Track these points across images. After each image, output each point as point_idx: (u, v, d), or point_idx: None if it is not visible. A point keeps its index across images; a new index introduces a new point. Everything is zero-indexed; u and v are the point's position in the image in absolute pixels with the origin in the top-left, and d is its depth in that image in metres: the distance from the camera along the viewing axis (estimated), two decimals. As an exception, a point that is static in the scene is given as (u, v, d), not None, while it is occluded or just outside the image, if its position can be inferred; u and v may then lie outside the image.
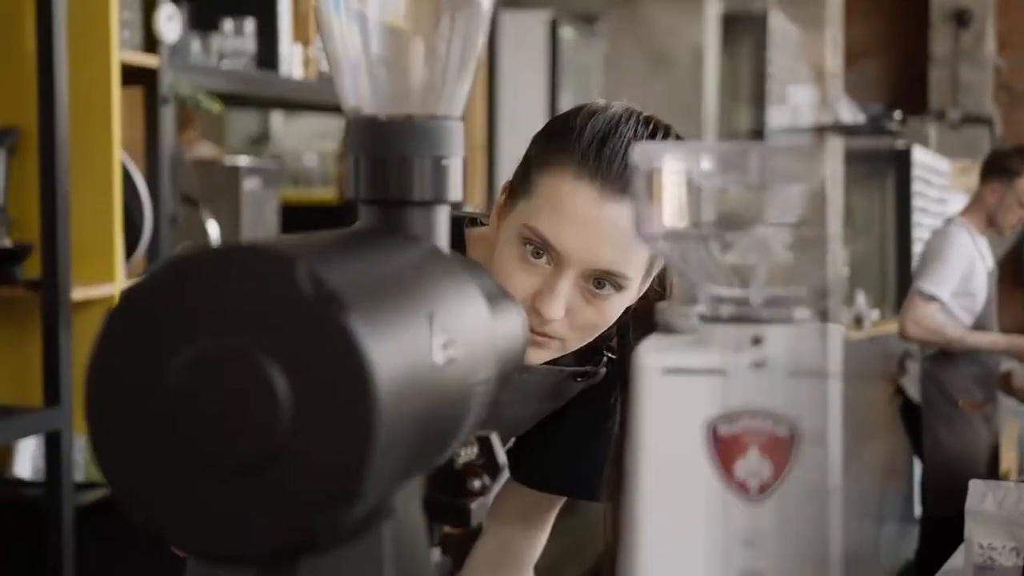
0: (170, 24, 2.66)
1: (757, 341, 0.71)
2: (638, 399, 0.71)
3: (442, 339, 0.71)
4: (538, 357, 1.28)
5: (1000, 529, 1.91)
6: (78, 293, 2.44)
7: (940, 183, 7.39)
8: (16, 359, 2.49)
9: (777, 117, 7.53)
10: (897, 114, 6.44)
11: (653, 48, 5.45)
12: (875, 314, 6.10)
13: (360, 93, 0.84)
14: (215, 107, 2.79)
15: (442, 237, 0.84)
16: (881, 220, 6.86)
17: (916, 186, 6.85)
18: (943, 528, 4.21)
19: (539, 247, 1.23)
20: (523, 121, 5.36)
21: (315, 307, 0.62)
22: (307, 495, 0.62)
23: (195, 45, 2.96)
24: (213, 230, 2.97)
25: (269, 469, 0.62)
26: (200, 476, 0.63)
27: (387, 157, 0.82)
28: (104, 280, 2.53)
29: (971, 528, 1.92)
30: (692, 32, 5.56)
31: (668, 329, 0.79)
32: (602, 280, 1.24)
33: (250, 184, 3.06)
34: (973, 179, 8.52)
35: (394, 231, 0.81)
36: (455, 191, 0.84)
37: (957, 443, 4.22)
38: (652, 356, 0.71)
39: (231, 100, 3.25)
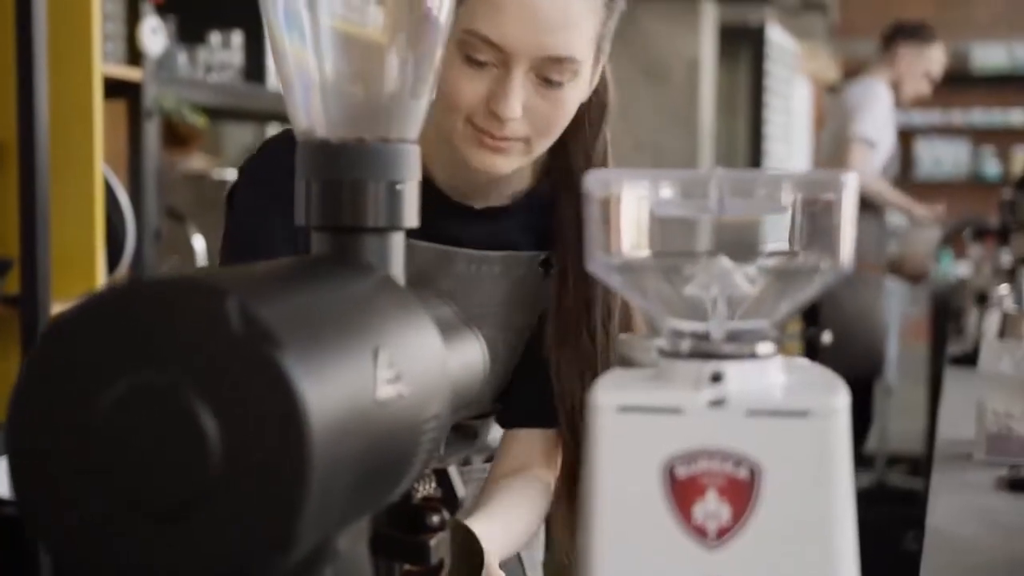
0: (154, 37, 2.64)
1: (717, 378, 0.68)
2: (592, 438, 0.68)
3: (388, 374, 0.68)
4: (506, 164, 1.26)
5: (1018, 393, 1.77)
6: (58, 309, 2.41)
7: (789, 65, 7.56)
8: (-5, 375, 2.47)
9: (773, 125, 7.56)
10: None
11: (649, 61, 5.43)
12: None
13: (312, 115, 0.81)
14: (199, 121, 2.76)
15: (397, 264, 0.81)
16: (731, 96, 6.97)
17: (768, 65, 7.00)
18: None
19: (482, 51, 1.20)
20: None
21: (246, 343, 0.59)
22: (238, 540, 0.59)
23: (181, 58, 2.94)
24: (199, 245, 2.94)
25: (198, 512, 0.59)
26: (125, 517, 0.60)
27: (340, 181, 0.79)
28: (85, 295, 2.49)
29: (985, 393, 1.78)
30: (688, 45, 5.54)
31: (627, 363, 0.76)
32: (552, 71, 1.20)
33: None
34: (820, 64, 8.68)
35: (347, 259, 0.79)
36: (410, 217, 0.81)
37: (856, 305, 4.23)
38: (607, 393, 0.68)
39: (220, 113, 3.22)
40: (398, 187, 0.80)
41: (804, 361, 0.76)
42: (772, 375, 0.69)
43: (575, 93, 1.24)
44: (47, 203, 2.37)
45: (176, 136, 3.44)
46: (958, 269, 8.73)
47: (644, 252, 0.71)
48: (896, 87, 4.35)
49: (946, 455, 1.89)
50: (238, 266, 0.71)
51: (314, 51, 0.80)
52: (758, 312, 0.71)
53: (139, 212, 2.68)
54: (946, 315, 4.69)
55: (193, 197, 3.05)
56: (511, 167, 1.26)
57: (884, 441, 5.67)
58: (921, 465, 5.11)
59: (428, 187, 1.29)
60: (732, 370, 0.68)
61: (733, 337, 0.70)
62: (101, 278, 2.53)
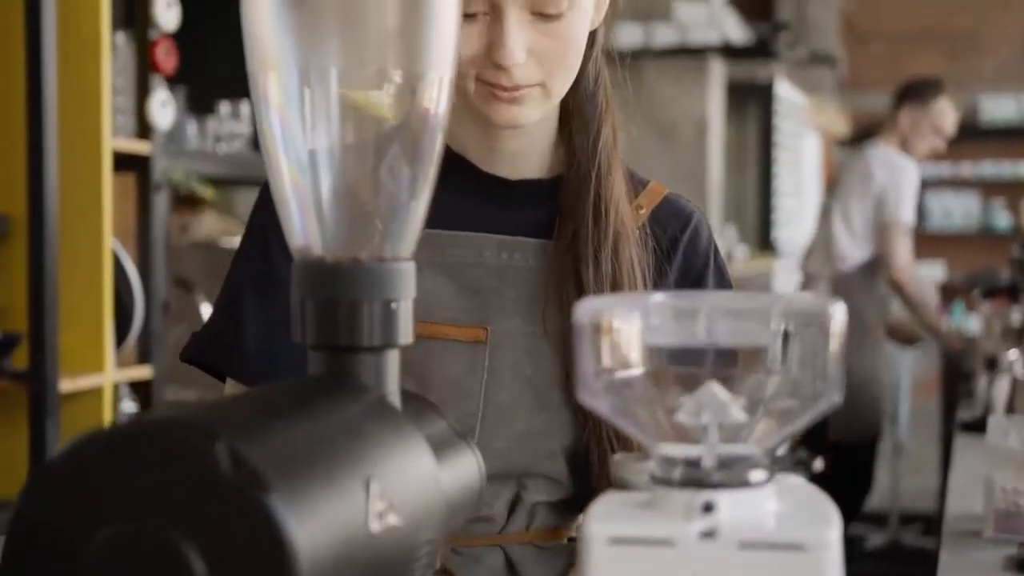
0: (163, 111, 2.66)
1: (708, 508, 0.68)
2: (586, 569, 0.68)
3: (380, 505, 0.68)
4: (528, 114, 1.17)
5: None
6: (67, 384, 2.42)
7: (798, 119, 7.60)
8: (2, 450, 2.46)
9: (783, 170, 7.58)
10: (785, 35, 6.45)
11: (658, 120, 5.46)
12: (743, 249, 6.30)
13: (308, 233, 0.82)
14: (208, 192, 2.77)
15: (392, 382, 0.81)
16: (740, 152, 7.00)
17: (776, 120, 7.03)
18: (846, 455, 4.21)
19: (468, 1, 1.13)
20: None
21: (235, 487, 0.59)
22: None
23: (191, 128, 2.96)
24: (207, 314, 2.94)
25: (187, 656, 0.59)
26: (115, 662, 0.60)
27: (336, 301, 0.79)
28: (94, 370, 2.50)
29: (992, 469, 1.74)
30: (696, 104, 5.57)
31: (622, 484, 0.75)
32: (547, 4, 1.13)
33: (246, 266, 3.04)
34: (829, 118, 8.73)
35: (341, 380, 0.79)
36: (405, 334, 0.81)
37: (865, 366, 4.21)
38: (600, 524, 0.68)
39: (230, 180, 3.25)
40: (393, 306, 0.80)
41: (798, 481, 0.75)
42: (764, 503, 0.69)
43: (579, 21, 1.16)
44: (56, 278, 2.38)
45: (187, 198, 3.46)
46: (969, 323, 8.72)
47: (634, 379, 0.71)
48: (905, 147, 4.37)
49: (955, 531, 1.87)
50: (229, 398, 0.71)
51: (310, 171, 0.81)
52: (750, 437, 0.71)
53: (147, 284, 2.68)
54: (956, 376, 4.67)
55: (201, 265, 3.06)
56: (536, 115, 1.18)
57: (897, 499, 5.64)
58: (934, 524, 5.07)
59: (459, 163, 1.24)
60: (724, 499, 0.68)
61: (725, 464, 0.70)
62: (109, 352, 2.54)
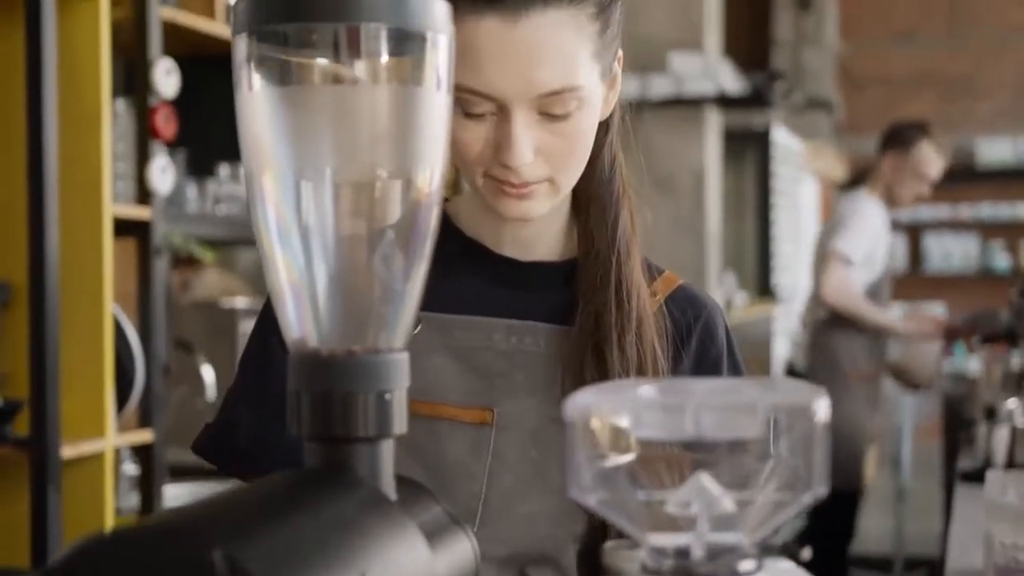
0: (163, 176, 2.68)
1: (698, 602, 0.69)
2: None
3: (375, 600, 0.70)
4: (536, 208, 1.18)
5: None
6: (68, 451, 2.42)
7: (795, 164, 7.63)
8: (3, 518, 2.47)
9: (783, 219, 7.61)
10: (780, 85, 6.48)
11: (655, 170, 5.46)
12: (742, 296, 6.31)
13: (303, 326, 0.83)
14: (207, 256, 2.79)
15: (387, 471, 0.82)
16: (738, 199, 7.02)
17: (774, 167, 7.06)
18: (822, 505, 4.18)
19: (475, 103, 1.13)
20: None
21: (232, 593, 0.60)
22: None
23: (191, 191, 2.98)
24: (208, 375, 2.96)
25: None
26: None
27: (330, 393, 0.80)
28: (95, 435, 2.51)
29: (991, 525, 1.74)
30: (693, 154, 5.60)
31: (615, 573, 0.77)
32: (554, 106, 1.12)
33: (247, 326, 3.06)
34: (826, 163, 8.77)
35: (337, 470, 0.80)
36: (400, 424, 0.83)
37: (840, 415, 4.20)
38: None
39: (229, 241, 3.27)
40: (387, 396, 0.82)
41: (787, 566, 0.76)
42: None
43: (587, 119, 1.16)
44: (57, 345, 2.40)
45: (188, 256, 3.48)
46: (970, 365, 8.72)
47: (624, 472, 0.73)
48: (890, 193, 4.39)
49: (956, 588, 1.88)
50: (224, 497, 0.73)
51: (305, 266, 0.82)
52: (739, 527, 0.72)
53: (148, 348, 2.70)
54: (957, 422, 4.67)
55: (202, 326, 3.08)
56: (544, 209, 1.19)
57: (901, 544, 5.63)
58: (938, 570, 5.06)
59: (473, 247, 1.26)
60: (714, 592, 0.69)
61: (715, 554, 0.71)
62: (110, 417, 2.55)
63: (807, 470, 0.71)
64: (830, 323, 4.37)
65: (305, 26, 0.79)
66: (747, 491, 0.72)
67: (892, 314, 4.41)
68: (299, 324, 0.83)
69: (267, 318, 1.26)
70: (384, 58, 0.80)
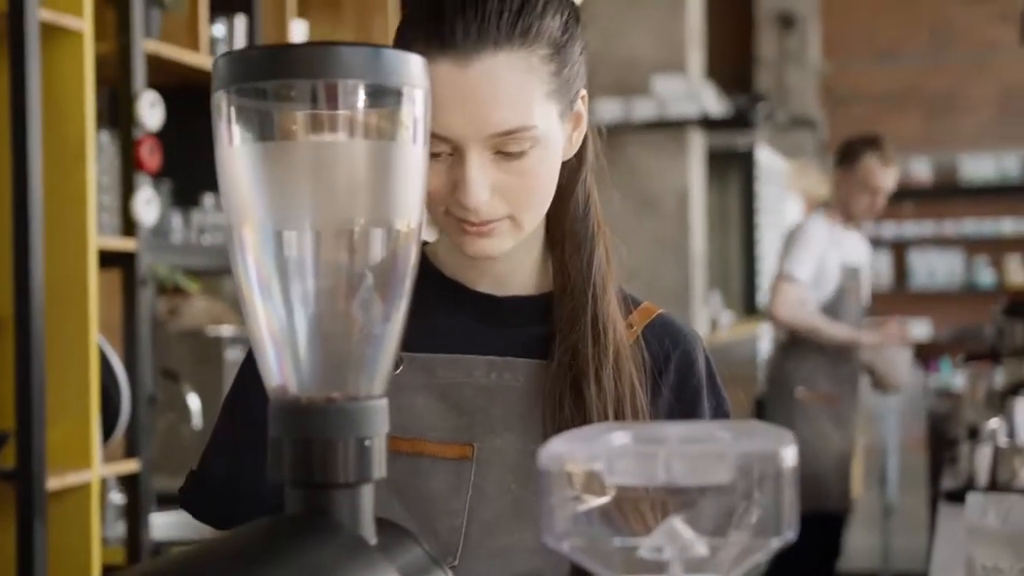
0: (148, 208, 2.69)
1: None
2: None
3: (355, 648, 0.71)
4: (498, 246, 1.19)
5: (1006, 547, 1.74)
6: (54, 482, 2.43)
7: (779, 183, 7.66)
8: (-10, 550, 2.47)
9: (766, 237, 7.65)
10: (762, 107, 6.50)
11: (640, 192, 5.51)
12: (728, 315, 6.34)
13: (284, 374, 0.85)
14: (192, 287, 2.81)
15: (366, 515, 0.84)
16: (723, 218, 7.05)
17: (758, 186, 7.09)
18: (807, 526, 4.15)
19: (431, 144, 1.09)
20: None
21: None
22: None
23: (176, 220, 3.00)
24: (194, 404, 2.97)
25: None
26: None
27: (311, 441, 0.82)
28: (81, 467, 2.52)
29: (972, 547, 1.75)
30: (678, 175, 5.63)
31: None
32: (508, 144, 1.13)
33: (233, 354, 3.07)
34: (810, 181, 8.79)
35: (317, 516, 0.82)
36: (380, 469, 0.84)
37: (810, 438, 4.18)
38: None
39: (214, 271, 3.28)
40: (367, 443, 0.83)
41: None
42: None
43: (544, 157, 1.17)
44: (43, 376, 2.41)
45: (175, 286, 3.49)
46: (955, 380, 8.76)
47: (597, 518, 0.74)
48: (847, 211, 4.41)
49: (939, 608, 1.90)
50: (205, 547, 0.74)
51: (285, 316, 0.84)
52: (711, 570, 0.74)
53: (134, 378, 2.71)
54: (942, 438, 4.69)
55: (188, 354, 3.09)
56: (507, 246, 1.20)
57: (889, 561, 5.65)
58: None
59: (452, 286, 1.27)
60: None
61: (688, 597, 0.73)
62: (96, 448, 2.56)
63: (776, 515, 0.73)
64: (786, 346, 4.38)
65: (284, 82, 0.81)
66: (719, 535, 0.74)
67: (846, 329, 4.38)
68: (279, 372, 0.85)
69: (248, 366, 1.26)
70: (361, 113, 0.82)
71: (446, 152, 1.15)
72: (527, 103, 1.14)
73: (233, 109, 0.82)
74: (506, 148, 1.14)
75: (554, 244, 1.28)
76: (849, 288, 4.37)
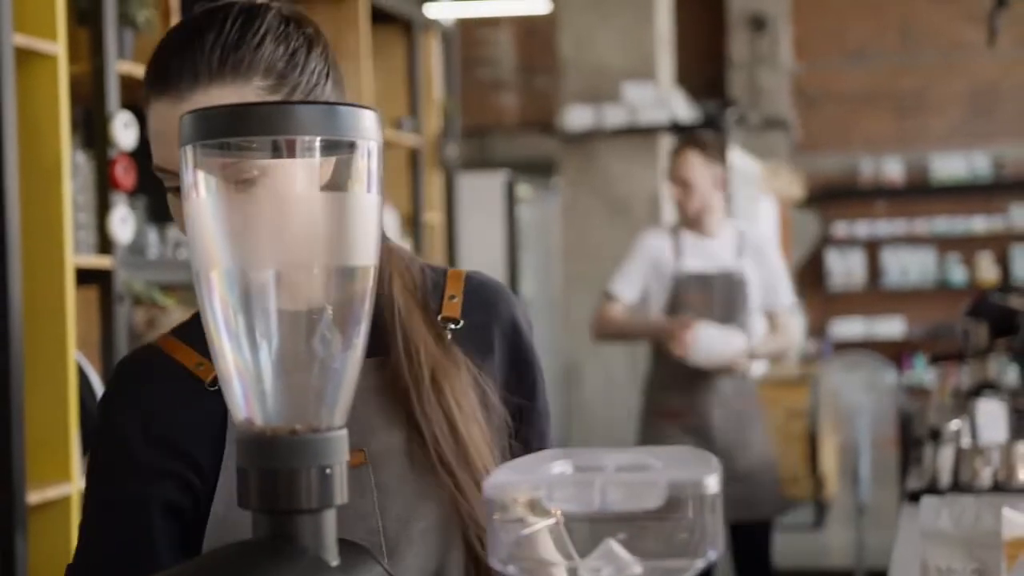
0: (123, 226, 2.74)
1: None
2: None
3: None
4: None
5: (959, 549, 1.77)
6: (34, 496, 2.48)
7: (752, 185, 7.73)
8: (-28, 565, 2.52)
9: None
10: (731, 112, 6.50)
11: (610, 197, 5.58)
12: None
13: (250, 407, 0.91)
14: (168, 302, 2.86)
15: (329, 538, 0.90)
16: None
17: (731, 189, 7.16)
18: (735, 537, 4.13)
19: (167, 178, 1.19)
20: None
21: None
22: None
23: (152, 236, 3.05)
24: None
25: None
26: None
27: (275, 470, 0.88)
28: (61, 480, 2.57)
29: (926, 550, 1.78)
30: (648, 180, 5.70)
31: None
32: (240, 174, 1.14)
33: (209, 366, 3.11)
34: (783, 182, 8.82)
35: (282, 540, 0.88)
36: (341, 494, 0.90)
37: (727, 445, 3.99)
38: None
39: (189, 285, 3.33)
40: (328, 471, 0.89)
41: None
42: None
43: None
44: (21, 393, 2.46)
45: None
46: (928, 376, 8.85)
47: (538, 542, 0.80)
48: (685, 217, 4.20)
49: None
50: (175, 573, 0.80)
51: (250, 354, 0.90)
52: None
53: (112, 393, 2.75)
54: (911, 436, 4.75)
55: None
56: None
57: (862, 559, 5.73)
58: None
59: None
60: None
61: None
62: (75, 462, 2.61)
63: (701, 536, 0.79)
64: (648, 370, 4.24)
65: (246, 139, 0.87)
66: (652, 556, 0.80)
67: (643, 317, 4.16)
68: (246, 405, 0.91)
69: (112, 434, 1.26)
70: (318, 165, 0.88)
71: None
72: None
73: (199, 163, 0.88)
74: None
75: None
76: (689, 300, 4.08)
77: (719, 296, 4.09)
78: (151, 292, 2.78)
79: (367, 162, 0.90)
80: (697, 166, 4.04)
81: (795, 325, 4.17)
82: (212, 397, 1.23)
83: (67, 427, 2.56)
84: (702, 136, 4.21)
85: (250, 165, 0.99)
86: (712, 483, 0.78)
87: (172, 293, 2.99)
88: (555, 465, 0.83)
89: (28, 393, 2.49)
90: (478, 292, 1.34)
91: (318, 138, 0.88)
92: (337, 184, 0.90)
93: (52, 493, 2.54)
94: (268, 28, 1.20)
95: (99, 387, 2.69)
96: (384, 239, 1.30)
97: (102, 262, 2.74)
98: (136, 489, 1.23)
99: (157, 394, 1.25)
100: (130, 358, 1.31)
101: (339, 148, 0.89)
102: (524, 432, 1.34)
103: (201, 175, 0.89)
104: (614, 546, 0.80)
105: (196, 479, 1.23)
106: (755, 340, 4.13)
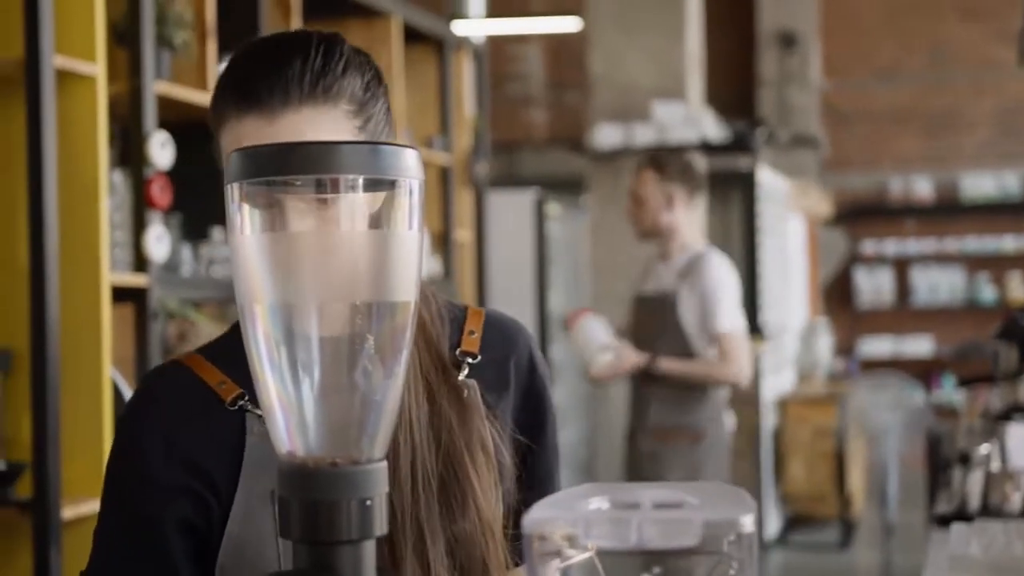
0: (159, 244, 2.77)
1: None
2: None
3: None
4: None
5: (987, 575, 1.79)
6: (69, 511, 2.51)
7: (781, 203, 7.71)
8: (7, 579, 2.55)
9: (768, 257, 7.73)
10: (761, 131, 6.50)
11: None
12: None
13: (292, 439, 0.93)
14: (200, 319, 2.89)
15: (368, 570, 0.91)
16: (725, 239, 7.11)
17: (760, 206, 7.15)
18: None
19: None
20: (513, 297, 5.55)
21: None
22: None
23: (186, 253, 3.08)
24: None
25: None
26: None
27: (317, 502, 0.90)
28: (95, 496, 2.58)
29: None
30: (678, 199, 5.69)
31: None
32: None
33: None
34: (810, 200, 8.77)
35: (323, 571, 0.89)
36: (381, 526, 0.92)
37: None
38: None
39: (222, 301, 3.36)
40: (368, 503, 0.91)
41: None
42: None
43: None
44: (57, 409, 2.48)
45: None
46: (957, 396, 8.80)
47: (576, 576, 0.82)
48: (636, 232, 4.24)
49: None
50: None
51: (293, 388, 0.92)
52: None
53: (145, 409, 2.78)
54: (939, 458, 4.73)
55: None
56: None
57: (890, 579, 5.71)
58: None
59: None
60: None
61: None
62: (110, 478, 2.63)
63: (739, 572, 0.80)
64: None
65: (291, 178, 0.89)
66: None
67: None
68: (288, 438, 0.93)
69: (132, 448, 1.27)
70: (361, 203, 0.90)
71: None
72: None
73: (245, 200, 0.90)
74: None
75: None
76: (630, 321, 4.15)
77: (649, 317, 4.10)
78: (185, 310, 2.81)
79: (409, 200, 0.92)
80: (649, 183, 4.07)
81: (741, 352, 4.04)
82: (232, 417, 1.25)
83: (102, 443, 2.59)
84: (661, 156, 4.22)
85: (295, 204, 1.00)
86: (748, 522, 0.80)
87: (203, 309, 3.02)
88: (592, 501, 0.85)
89: (64, 409, 2.52)
90: (497, 329, 1.36)
91: (361, 177, 0.89)
92: (379, 222, 0.91)
93: (86, 508, 2.57)
94: (348, 58, 1.23)
95: (133, 404, 2.72)
96: None
97: (138, 280, 2.77)
98: (153, 505, 1.24)
99: (178, 410, 1.26)
100: (155, 373, 1.33)
101: (381, 186, 0.91)
102: (533, 468, 1.34)
103: (247, 211, 0.91)
104: (650, 582, 0.82)
105: (212, 498, 1.24)
106: (681, 362, 4.03)
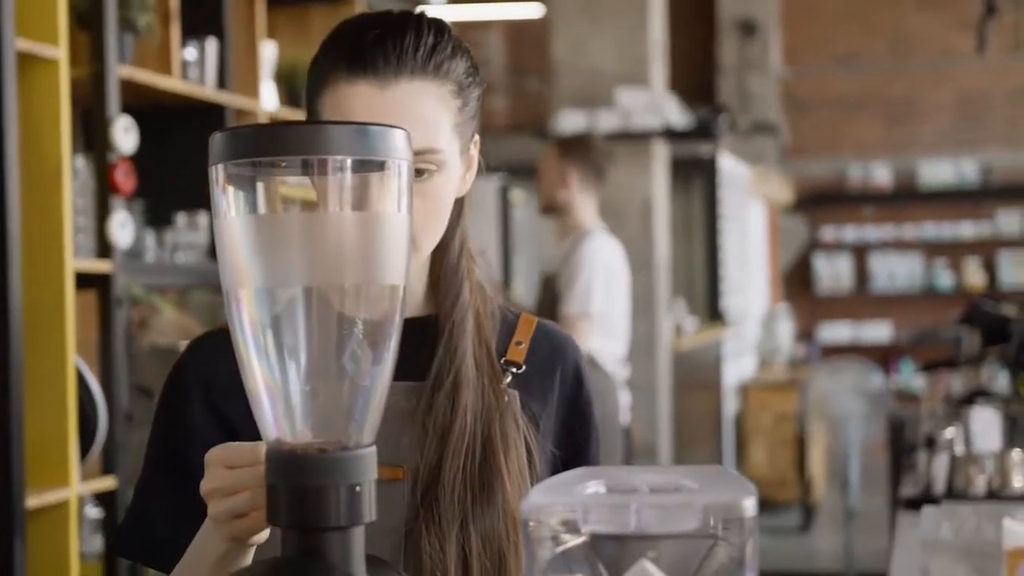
0: (123, 230, 2.74)
1: None
2: None
3: None
4: None
5: (961, 560, 1.79)
6: (33, 500, 2.47)
7: (742, 189, 7.77)
8: (-30, 570, 2.51)
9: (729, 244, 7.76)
10: (723, 118, 6.54)
11: (603, 202, 5.56)
12: (693, 321, 6.42)
13: (280, 427, 0.91)
14: (165, 307, 2.86)
15: (357, 556, 0.90)
16: (687, 225, 7.16)
17: (721, 193, 7.21)
18: None
19: None
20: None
21: None
22: None
23: (150, 240, 3.04)
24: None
25: None
26: None
27: (305, 488, 0.88)
28: (59, 485, 2.56)
29: (928, 560, 1.80)
30: (641, 184, 5.70)
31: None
32: (417, 162, 1.18)
33: (205, 370, 3.10)
34: (773, 186, 8.83)
35: (311, 557, 0.88)
36: (370, 512, 0.90)
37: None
38: None
39: (187, 287, 3.33)
40: (357, 488, 0.90)
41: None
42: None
43: (446, 184, 1.24)
44: (21, 397, 2.45)
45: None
46: (915, 381, 8.87)
47: (574, 562, 0.81)
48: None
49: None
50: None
51: (280, 374, 0.90)
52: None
53: (110, 397, 2.75)
54: (901, 444, 4.76)
55: (160, 369, 3.13)
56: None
57: (851, 563, 5.74)
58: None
59: None
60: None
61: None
62: (74, 466, 2.60)
63: (739, 558, 0.80)
64: None
65: (277, 159, 0.87)
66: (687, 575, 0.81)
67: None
68: (275, 424, 0.91)
69: (170, 402, 1.30)
70: (349, 185, 0.88)
71: None
72: (435, 128, 1.22)
73: (229, 182, 0.88)
74: (415, 167, 1.17)
75: (434, 277, 1.32)
76: (539, 299, 4.16)
77: (544, 295, 4.13)
78: (149, 297, 2.77)
79: (398, 181, 0.90)
80: (548, 158, 4.16)
81: (576, 337, 4.02)
82: None
83: (66, 431, 2.56)
84: (569, 138, 4.34)
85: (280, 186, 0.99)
86: (749, 506, 0.79)
87: (167, 296, 2.99)
88: (589, 485, 0.84)
89: (27, 397, 2.48)
90: (546, 340, 1.36)
91: (349, 158, 0.88)
92: (367, 203, 0.90)
93: (51, 497, 2.54)
94: (455, 41, 1.26)
95: (98, 391, 2.68)
96: (462, 255, 1.30)
97: (102, 266, 2.74)
98: (193, 454, 1.21)
99: (222, 372, 1.25)
100: (204, 335, 1.36)
101: (369, 167, 0.89)
102: None
103: (231, 193, 0.89)
104: (648, 566, 0.81)
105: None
106: None
